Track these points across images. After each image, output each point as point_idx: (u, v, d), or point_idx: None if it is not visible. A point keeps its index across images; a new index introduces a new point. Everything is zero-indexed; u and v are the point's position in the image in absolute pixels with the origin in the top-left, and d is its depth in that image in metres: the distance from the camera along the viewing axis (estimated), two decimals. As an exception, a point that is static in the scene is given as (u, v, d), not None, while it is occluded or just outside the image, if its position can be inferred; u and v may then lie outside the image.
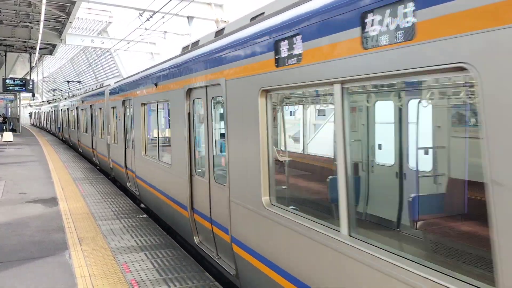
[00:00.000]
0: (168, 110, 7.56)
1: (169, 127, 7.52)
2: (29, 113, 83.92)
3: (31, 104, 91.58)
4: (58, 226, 8.22)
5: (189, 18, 21.56)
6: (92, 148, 18.08)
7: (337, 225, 3.28)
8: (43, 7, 18.24)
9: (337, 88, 3.20)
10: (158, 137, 8.74)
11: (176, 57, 7.54)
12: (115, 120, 13.12)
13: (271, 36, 4.07)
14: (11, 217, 8.88)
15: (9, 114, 46.08)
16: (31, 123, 77.07)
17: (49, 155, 21.13)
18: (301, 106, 8.23)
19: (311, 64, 3.46)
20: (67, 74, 61.17)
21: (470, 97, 4.61)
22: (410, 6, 2.50)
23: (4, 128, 39.35)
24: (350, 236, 3.18)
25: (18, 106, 44.46)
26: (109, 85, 15.30)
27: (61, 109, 32.19)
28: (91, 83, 46.31)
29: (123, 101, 11.85)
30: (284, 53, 3.86)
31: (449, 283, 2.33)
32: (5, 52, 31.36)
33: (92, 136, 18.08)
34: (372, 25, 2.80)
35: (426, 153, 5.32)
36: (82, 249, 6.86)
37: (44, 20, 21.26)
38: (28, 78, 36.17)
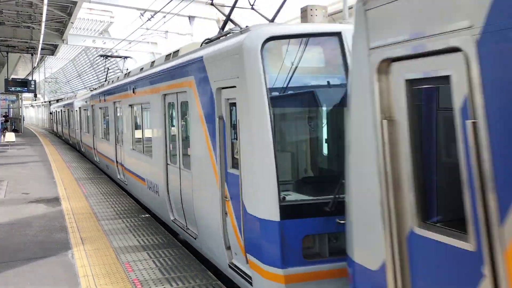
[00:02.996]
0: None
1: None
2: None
3: (31, 104, 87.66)
4: (61, 226, 8.25)
5: (190, 17, 21.59)
6: None
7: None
8: (45, 8, 18.28)
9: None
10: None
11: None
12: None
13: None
14: (14, 217, 8.92)
15: (12, 114, 46.22)
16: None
17: (51, 155, 21.19)
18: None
19: None
20: (69, 74, 61.25)
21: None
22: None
23: (6, 127, 39.33)
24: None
25: (20, 107, 44.60)
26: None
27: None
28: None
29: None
30: None
31: None
32: (7, 52, 31.40)
33: None
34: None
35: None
36: (85, 249, 6.89)
37: (46, 21, 21.31)
38: (30, 78, 36.28)
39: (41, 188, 12.17)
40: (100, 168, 16.19)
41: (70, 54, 48.43)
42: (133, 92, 9.96)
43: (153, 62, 9.75)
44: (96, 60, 43.86)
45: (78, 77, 57.00)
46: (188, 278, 5.71)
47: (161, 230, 8.04)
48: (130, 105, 10.63)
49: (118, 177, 12.38)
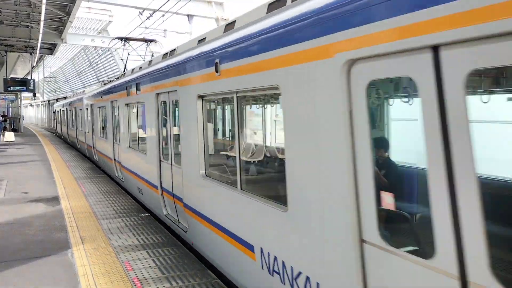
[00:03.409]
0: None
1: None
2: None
3: (30, 104, 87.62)
4: (61, 225, 8.26)
5: (189, 16, 21.59)
6: None
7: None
8: (43, 7, 18.27)
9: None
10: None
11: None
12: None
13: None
14: (14, 217, 8.92)
15: (11, 114, 46.15)
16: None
17: (51, 155, 21.18)
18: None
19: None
20: (68, 74, 61.22)
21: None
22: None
23: (6, 126, 39.23)
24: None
25: (20, 106, 44.55)
26: None
27: None
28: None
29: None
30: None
31: None
32: (6, 52, 31.41)
33: None
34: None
35: None
36: (85, 248, 6.89)
37: (45, 20, 21.29)
38: (29, 78, 36.23)
39: (41, 188, 12.17)
40: (124, 188, 12.18)
41: (69, 53, 48.42)
42: (216, 70, 5.45)
43: (232, 22, 5.82)
44: (95, 59, 43.83)
45: (77, 76, 56.97)
46: (187, 277, 5.72)
47: (161, 229, 8.04)
48: (201, 97, 6.25)
49: (165, 213, 8.32)
